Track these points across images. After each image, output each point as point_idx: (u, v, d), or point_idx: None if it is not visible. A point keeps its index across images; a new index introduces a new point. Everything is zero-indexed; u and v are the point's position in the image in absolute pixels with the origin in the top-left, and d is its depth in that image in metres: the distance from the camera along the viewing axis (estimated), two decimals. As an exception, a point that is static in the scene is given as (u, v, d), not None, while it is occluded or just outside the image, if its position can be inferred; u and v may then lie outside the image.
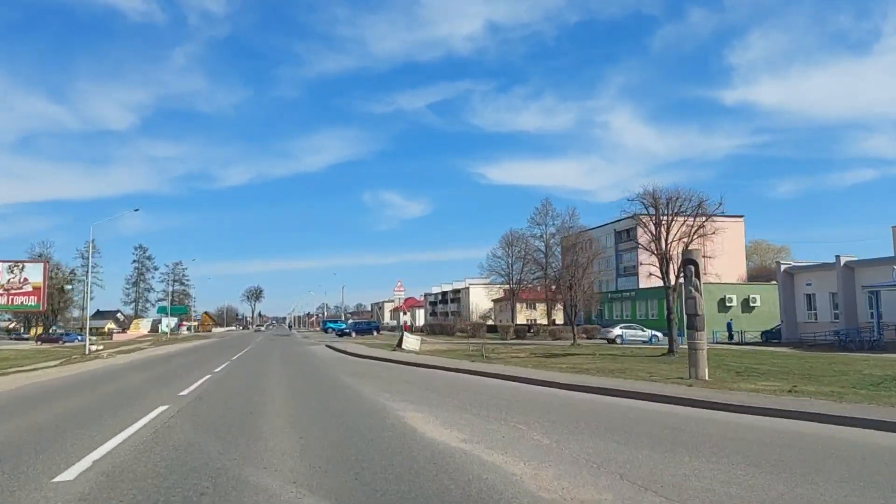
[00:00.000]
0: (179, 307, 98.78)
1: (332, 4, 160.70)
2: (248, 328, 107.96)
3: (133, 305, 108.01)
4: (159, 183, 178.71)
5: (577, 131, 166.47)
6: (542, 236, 64.17)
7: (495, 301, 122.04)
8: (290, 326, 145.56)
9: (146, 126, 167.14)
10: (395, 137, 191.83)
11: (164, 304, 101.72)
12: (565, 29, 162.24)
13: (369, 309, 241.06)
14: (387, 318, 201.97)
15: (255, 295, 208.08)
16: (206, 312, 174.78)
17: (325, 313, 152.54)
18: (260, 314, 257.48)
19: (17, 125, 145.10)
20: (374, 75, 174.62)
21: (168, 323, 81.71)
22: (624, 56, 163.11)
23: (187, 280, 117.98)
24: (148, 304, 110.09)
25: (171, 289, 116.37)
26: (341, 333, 58.57)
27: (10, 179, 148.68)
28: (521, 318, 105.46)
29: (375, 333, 60.01)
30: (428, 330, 76.84)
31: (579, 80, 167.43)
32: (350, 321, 66.63)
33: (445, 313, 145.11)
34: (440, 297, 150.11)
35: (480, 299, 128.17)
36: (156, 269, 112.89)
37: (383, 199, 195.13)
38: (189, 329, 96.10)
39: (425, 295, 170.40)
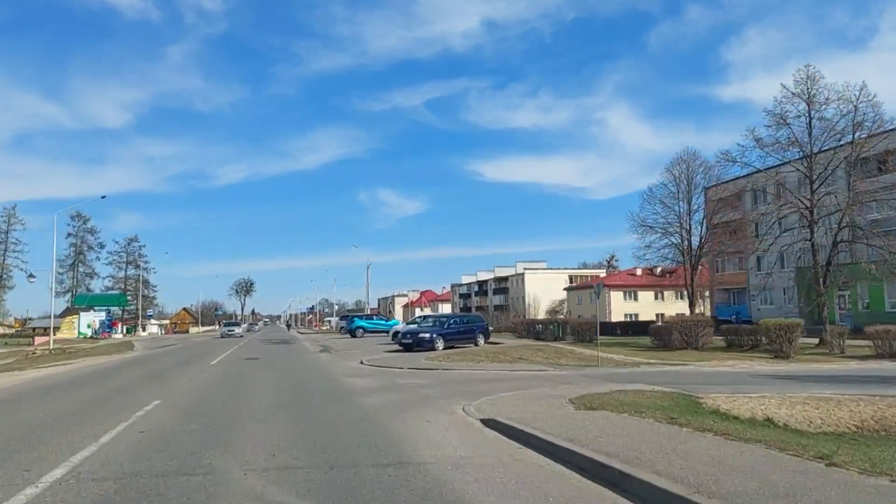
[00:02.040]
0: (111, 295, 65.74)
1: (330, 2, 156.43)
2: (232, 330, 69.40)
3: (68, 297, 75.14)
4: (155, 182, 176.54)
5: (573, 129, 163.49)
6: (791, 142, 30.37)
7: (570, 289, 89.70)
8: (288, 326, 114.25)
9: (142, 124, 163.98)
10: (392, 136, 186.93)
11: (116, 293, 69.06)
12: (563, 26, 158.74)
13: (376, 305, 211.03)
14: (398, 315, 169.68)
15: (246, 289, 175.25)
16: (184, 309, 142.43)
17: (334, 309, 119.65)
18: (253, 312, 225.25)
19: (13, 124, 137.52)
20: (372, 73, 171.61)
21: (91, 321, 49.61)
22: (621, 54, 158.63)
23: (146, 263, 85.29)
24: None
25: (123, 273, 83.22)
26: (414, 341, 24.21)
27: (6, 178, 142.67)
28: (617, 312, 73.50)
29: (482, 342, 26.68)
30: (521, 331, 43.28)
31: (576, 77, 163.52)
32: (425, 317, 30.87)
33: (483, 307, 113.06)
34: (477, 288, 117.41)
35: (540, 288, 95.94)
36: (101, 246, 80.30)
37: (380, 197, 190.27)
38: (130, 330, 63.22)
39: (453, 286, 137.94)
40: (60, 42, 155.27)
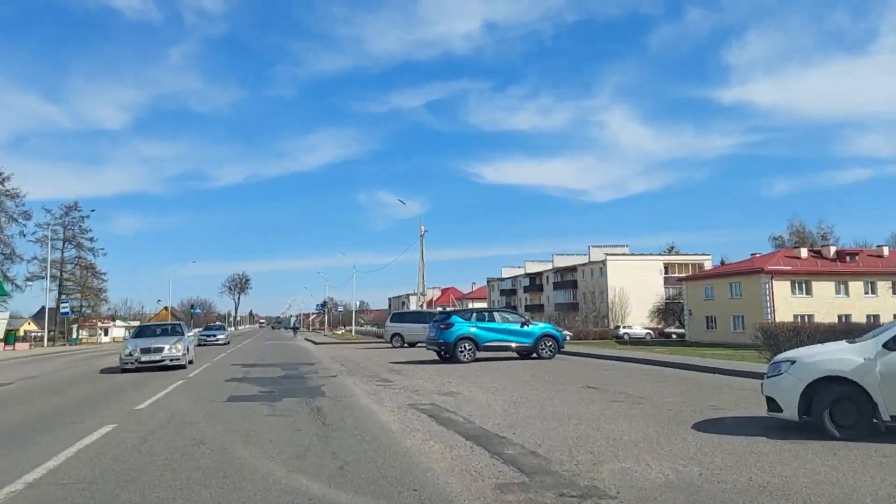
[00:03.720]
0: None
1: (330, 3, 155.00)
2: (155, 349, 18.10)
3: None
4: (153, 183, 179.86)
5: (572, 130, 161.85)
6: None
7: (686, 279, 65.03)
8: (294, 329, 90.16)
9: (140, 125, 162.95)
10: (391, 137, 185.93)
11: (46, 282, 44.85)
12: (563, 28, 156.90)
13: (387, 305, 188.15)
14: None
15: (240, 286, 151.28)
16: (166, 308, 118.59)
17: (354, 305, 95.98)
18: (251, 313, 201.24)
19: (11, 124, 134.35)
20: (371, 74, 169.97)
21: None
22: (621, 55, 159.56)
23: (91, 239, 60.93)
24: (9, 283, 53.10)
25: (59, 255, 58.97)
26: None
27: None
28: (783, 311, 49.20)
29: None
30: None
31: (576, 79, 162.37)
32: None
33: (536, 306, 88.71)
34: (527, 283, 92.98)
35: (627, 279, 71.95)
36: (27, 217, 55.71)
37: (378, 198, 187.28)
38: (9, 339, 39.24)
39: (489, 281, 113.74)
40: (59, 42, 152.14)
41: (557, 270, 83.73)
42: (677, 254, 75.16)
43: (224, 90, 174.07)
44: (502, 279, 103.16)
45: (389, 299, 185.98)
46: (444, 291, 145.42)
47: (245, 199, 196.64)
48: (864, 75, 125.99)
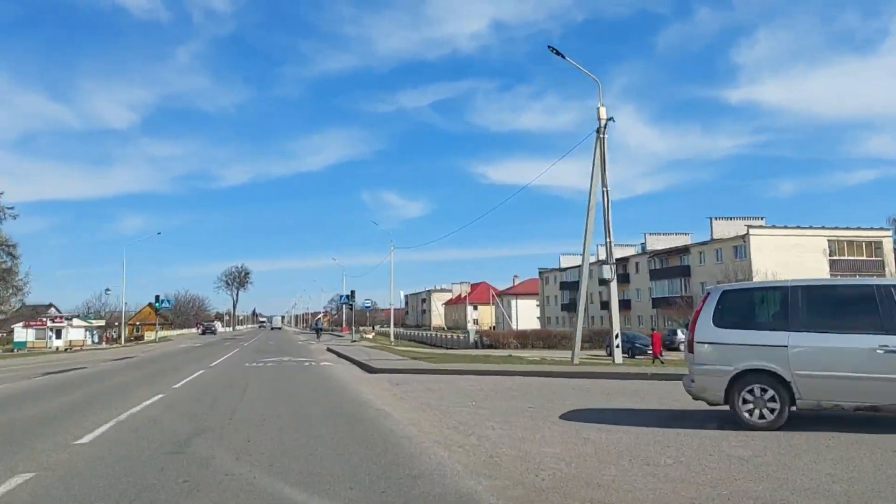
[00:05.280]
0: None
1: (338, 3, 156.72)
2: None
3: None
4: (160, 182, 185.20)
5: (579, 131, 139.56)
6: None
7: None
8: (318, 330, 70.74)
9: (147, 125, 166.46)
10: (397, 137, 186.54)
11: None
12: (571, 28, 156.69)
13: (403, 303, 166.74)
14: (440, 316, 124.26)
15: (239, 280, 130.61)
16: (150, 304, 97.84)
17: (395, 303, 74.41)
18: (255, 312, 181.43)
19: (18, 124, 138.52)
20: (378, 74, 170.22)
21: None
22: (629, 55, 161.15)
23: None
24: None
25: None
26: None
27: (11, 178, 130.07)
28: None
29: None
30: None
31: (583, 79, 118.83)
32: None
33: (619, 301, 67.52)
34: (619, 270, 72.31)
35: (776, 263, 50.91)
36: None
37: (383, 198, 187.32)
38: None
39: (542, 273, 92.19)
40: (66, 41, 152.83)
41: (655, 254, 62.23)
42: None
43: (231, 90, 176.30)
44: (562, 269, 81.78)
45: (405, 296, 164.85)
46: (474, 287, 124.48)
47: (251, 198, 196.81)
48: (873, 76, 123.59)
